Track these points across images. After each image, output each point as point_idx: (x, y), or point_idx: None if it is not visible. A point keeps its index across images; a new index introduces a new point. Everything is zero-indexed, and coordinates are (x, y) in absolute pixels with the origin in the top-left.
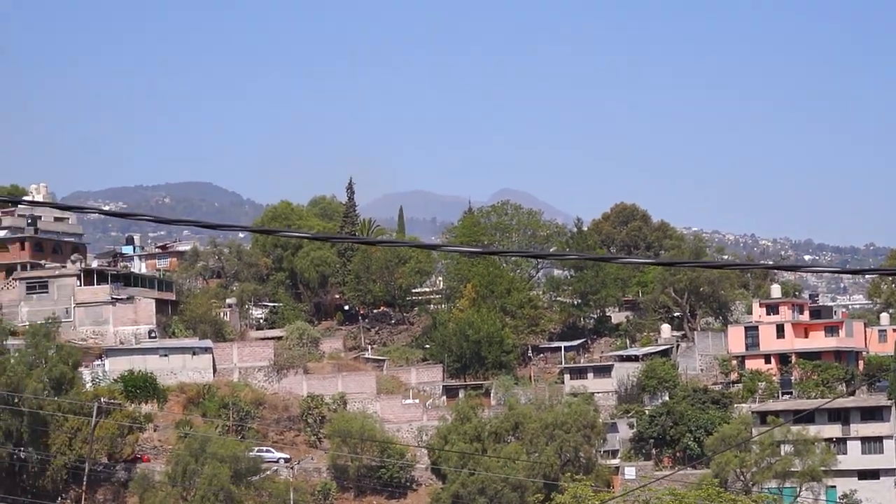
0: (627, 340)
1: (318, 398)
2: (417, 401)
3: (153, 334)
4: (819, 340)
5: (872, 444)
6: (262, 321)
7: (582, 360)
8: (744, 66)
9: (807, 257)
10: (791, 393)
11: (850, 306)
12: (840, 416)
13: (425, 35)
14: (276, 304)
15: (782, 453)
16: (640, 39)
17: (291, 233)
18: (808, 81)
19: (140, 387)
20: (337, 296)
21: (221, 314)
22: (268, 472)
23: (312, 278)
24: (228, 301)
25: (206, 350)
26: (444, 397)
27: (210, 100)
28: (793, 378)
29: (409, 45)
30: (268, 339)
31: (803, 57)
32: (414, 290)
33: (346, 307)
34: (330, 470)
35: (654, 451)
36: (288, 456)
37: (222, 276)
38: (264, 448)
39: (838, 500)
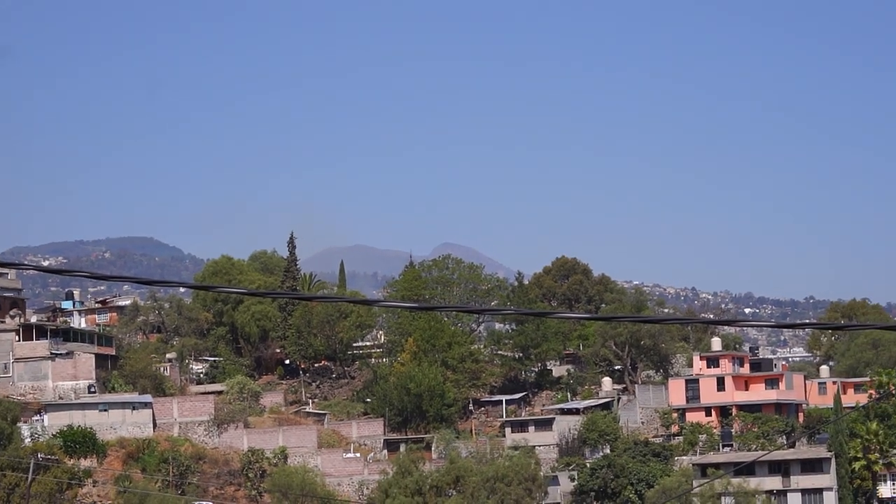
0: (568, 394)
1: (259, 452)
2: (358, 455)
3: (92, 389)
4: (759, 393)
5: (813, 496)
6: (202, 376)
7: (523, 414)
8: (682, 120)
9: (747, 310)
10: (731, 445)
11: (790, 359)
12: (780, 468)
13: (366, 88)
14: (216, 359)
15: None
16: (577, 97)
17: (231, 289)
18: (750, 137)
19: (79, 442)
20: (278, 350)
21: (161, 369)
22: None
23: (253, 333)
24: (168, 356)
25: (146, 405)
26: (386, 451)
27: (151, 154)
28: (733, 430)
29: (349, 100)
30: (208, 393)
31: (742, 113)
32: (355, 345)
33: (287, 361)
34: None
35: (595, 503)
36: None
37: (162, 330)
38: (205, 503)
39: None
